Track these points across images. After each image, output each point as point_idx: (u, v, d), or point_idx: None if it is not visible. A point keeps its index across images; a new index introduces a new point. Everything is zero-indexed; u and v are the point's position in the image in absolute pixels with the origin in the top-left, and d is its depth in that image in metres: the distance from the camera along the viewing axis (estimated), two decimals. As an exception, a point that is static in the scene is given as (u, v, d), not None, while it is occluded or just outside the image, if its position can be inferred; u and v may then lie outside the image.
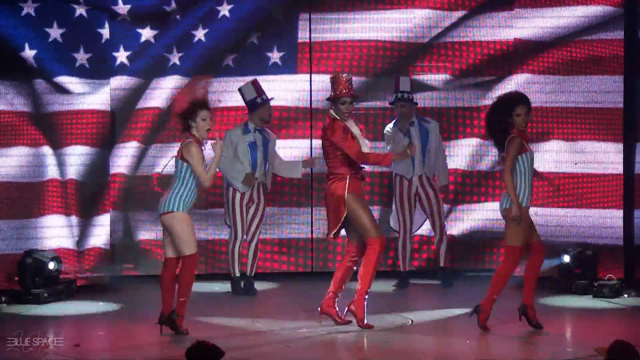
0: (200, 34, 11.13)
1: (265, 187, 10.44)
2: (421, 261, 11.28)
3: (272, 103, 10.48)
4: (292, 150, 11.19)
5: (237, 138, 10.31)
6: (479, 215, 11.21)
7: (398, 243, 10.71)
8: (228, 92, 11.20)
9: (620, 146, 10.85)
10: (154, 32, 11.10)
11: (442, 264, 10.71)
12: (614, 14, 10.97)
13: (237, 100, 11.09)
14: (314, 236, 11.29)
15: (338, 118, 8.52)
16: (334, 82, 8.61)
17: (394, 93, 10.65)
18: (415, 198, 10.66)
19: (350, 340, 8.29)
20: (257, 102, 10.32)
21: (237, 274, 10.32)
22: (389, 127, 10.65)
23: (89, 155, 10.75)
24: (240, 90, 10.43)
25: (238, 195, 10.33)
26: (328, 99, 8.64)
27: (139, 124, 11.11)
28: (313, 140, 11.26)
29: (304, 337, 8.43)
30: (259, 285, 10.50)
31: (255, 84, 10.39)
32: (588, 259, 10.34)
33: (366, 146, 8.57)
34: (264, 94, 10.36)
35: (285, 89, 11.23)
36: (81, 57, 10.77)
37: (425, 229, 11.06)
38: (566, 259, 10.34)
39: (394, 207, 10.77)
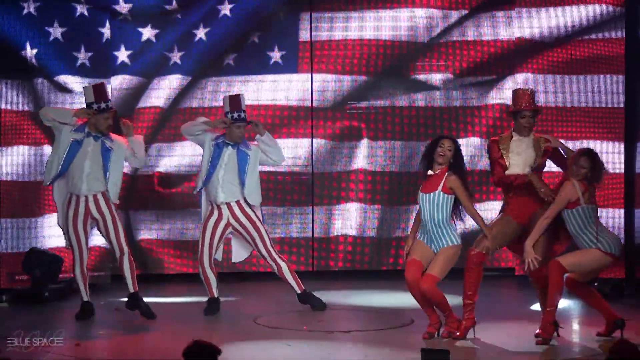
0: (201, 33, 11.13)
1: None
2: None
3: (273, 102, 10.47)
4: (293, 149, 11.19)
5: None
6: (481, 214, 11.18)
7: None
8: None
9: (622, 146, 10.85)
10: (155, 31, 11.10)
11: None
12: (615, 13, 10.97)
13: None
14: (315, 235, 11.29)
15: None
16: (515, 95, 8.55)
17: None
18: None
19: (349, 340, 8.28)
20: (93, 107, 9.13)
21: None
22: None
23: (90, 154, 10.74)
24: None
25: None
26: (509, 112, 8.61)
27: (140, 123, 11.11)
28: (314, 140, 11.26)
29: (305, 336, 8.42)
30: (260, 285, 10.48)
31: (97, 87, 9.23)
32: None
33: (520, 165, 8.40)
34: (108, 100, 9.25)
35: (286, 88, 11.23)
36: (82, 56, 10.78)
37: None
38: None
39: None
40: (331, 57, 11.29)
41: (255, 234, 9.35)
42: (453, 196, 8.17)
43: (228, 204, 9.30)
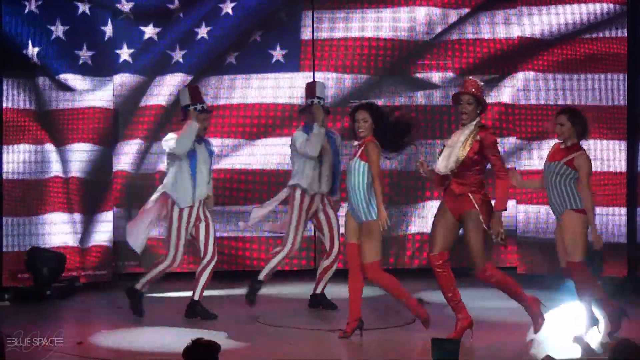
0: (203, 31, 11.13)
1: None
2: (422, 260, 11.27)
3: (275, 101, 10.47)
4: (295, 148, 11.19)
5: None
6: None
7: None
8: (231, 90, 11.21)
9: (624, 144, 10.84)
10: (157, 30, 11.10)
11: None
12: (617, 11, 10.96)
13: (240, 97, 11.12)
14: (316, 234, 11.28)
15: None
16: None
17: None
18: None
19: (351, 339, 8.28)
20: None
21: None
22: None
23: (92, 152, 10.75)
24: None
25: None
26: None
27: (142, 122, 11.12)
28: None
29: (306, 335, 8.42)
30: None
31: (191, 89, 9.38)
32: (592, 257, 10.33)
33: None
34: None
35: (288, 87, 11.23)
36: (84, 54, 10.77)
37: (429, 227, 11.03)
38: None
39: None
40: (333, 55, 11.30)
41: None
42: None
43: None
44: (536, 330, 8.12)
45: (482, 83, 8.22)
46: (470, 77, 8.27)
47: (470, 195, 7.92)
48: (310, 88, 9.58)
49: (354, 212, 8.17)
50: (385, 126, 8.22)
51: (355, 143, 8.28)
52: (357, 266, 8.14)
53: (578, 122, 8.11)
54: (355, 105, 8.40)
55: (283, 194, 9.61)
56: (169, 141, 8.96)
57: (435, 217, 8.17)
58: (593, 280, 8.17)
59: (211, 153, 9.21)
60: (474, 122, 8.03)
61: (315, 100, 9.46)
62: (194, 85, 9.37)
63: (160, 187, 9.14)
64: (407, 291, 8.26)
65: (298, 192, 9.44)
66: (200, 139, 9.07)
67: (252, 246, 11.33)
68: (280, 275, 10.74)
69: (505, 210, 8.02)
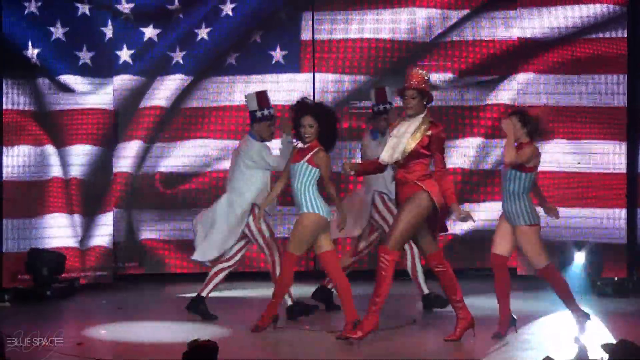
0: (203, 32, 11.13)
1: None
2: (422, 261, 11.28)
3: (275, 102, 10.41)
4: (295, 149, 11.19)
5: None
6: (482, 215, 11.19)
7: None
8: (231, 92, 11.21)
9: (624, 145, 10.84)
10: (157, 31, 11.10)
11: None
12: (617, 12, 10.96)
13: (240, 98, 11.09)
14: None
15: None
16: None
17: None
18: None
19: (352, 340, 8.27)
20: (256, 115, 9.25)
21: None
22: None
23: (92, 154, 10.76)
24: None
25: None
26: None
27: (142, 123, 11.12)
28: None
29: (306, 336, 8.42)
30: (261, 284, 10.47)
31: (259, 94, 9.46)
32: (593, 258, 10.36)
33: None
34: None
35: (288, 88, 11.22)
36: (84, 55, 10.78)
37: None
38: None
39: None
40: (333, 56, 11.30)
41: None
42: (317, 170, 8.24)
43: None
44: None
45: (425, 73, 8.10)
46: (415, 69, 8.13)
47: (417, 181, 7.85)
48: (382, 93, 9.46)
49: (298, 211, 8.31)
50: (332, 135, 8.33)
51: (300, 146, 8.35)
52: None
53: (529, 123, 8.15)
54: (303, 109, 8.37)
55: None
56: (269, 157, 8.96)
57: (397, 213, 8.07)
58: (564, 281, 8.30)
59: None
60: (422, 115, 8.00)
61: (389, 106, 9.38)
62: (262, 91, 9.31)
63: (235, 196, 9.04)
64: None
65: (378, 196, 9.42)
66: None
67: (253, 247, 11.31)
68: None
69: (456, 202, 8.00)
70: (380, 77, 11.30)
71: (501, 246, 8.22)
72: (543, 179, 10.79)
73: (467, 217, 8.03)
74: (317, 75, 11.25)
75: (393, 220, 8.10)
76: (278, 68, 11.22)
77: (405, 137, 7.92)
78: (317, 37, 11.27)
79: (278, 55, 11.24)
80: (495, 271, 8.23)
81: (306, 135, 8.25)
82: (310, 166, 8.22)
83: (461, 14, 11.26)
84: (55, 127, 10.66)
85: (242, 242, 9.07)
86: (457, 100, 11.28)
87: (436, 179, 7.91)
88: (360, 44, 11.30)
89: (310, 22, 11.27)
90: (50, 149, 10.63)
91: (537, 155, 8.12)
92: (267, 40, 11.23)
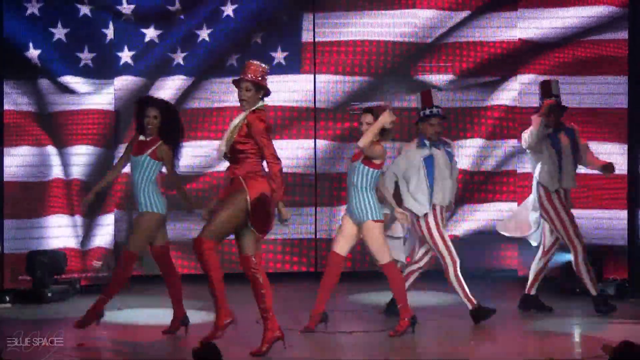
0: (204, 33, 11.13)
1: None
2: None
3: (276, 103, 10.42)
4: (296, 150, 11.19)
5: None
6: (483, 215, 11.21)
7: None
8: (232, 92, 11.19)
9: (625, 147, 10.83)
10: (158, 32, 11.10)
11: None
12: (618, 14, 10.97)
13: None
14: (317, 236, 11.30)
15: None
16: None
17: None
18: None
19: (352, 340, 8.28)
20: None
21: None
22: None
23: (93, 155, 10.76)
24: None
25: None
26: None
27: (143, 124, 11.11)
28: (317, 141, 11.27)
29: (306, 337, 8.42)
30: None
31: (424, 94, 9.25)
32: (593, 260, 10.34)
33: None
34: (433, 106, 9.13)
35: (289, 89, 11.23)
36: (85, 56, 10.78)
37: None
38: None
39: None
40: (334, 57, 11.30)
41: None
42: (160, 163, 8.32)
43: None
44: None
45: (264, 67, 7.92)
46: (253, 61, 7.93)
47: (242, 178, 7.65)
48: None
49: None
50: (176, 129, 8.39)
51: (142, 138, 8.40)
52: None
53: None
54: (146, 101, 8.50)
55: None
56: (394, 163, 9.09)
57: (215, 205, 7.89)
58: (401, 281, 8.52)
59: (451, 156, 9.09)
60: (254, 108, 7.79)
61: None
62: (427, 90, 9.31)
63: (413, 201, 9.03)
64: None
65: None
66: (437, 143, 9.00)
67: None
68: (282, 276, 10.77)
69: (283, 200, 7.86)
70: (381, 78, 11.31)
71: (341, 246, 8.50)
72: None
73: (285, 221, 7.91)
74: (318, 76, 11.26)
75: (214, 211, 7.79)
76: (279, 69, 11.22)
77: (230, 129, 7.76)
78: (318, 38, 11.27)
79: (279, 56, 11.25)
80: (328, 267, 8.52)
81: (149, 126, 8.32)
82: (153, 160, 8.33)
83: (462, 15, 11.27)
84: (56, 128, 10.67)
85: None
86: (458, 101, 11.28)
87: (269, 172, 7.67)
88: (361, 45, 11.30)
89: (311, 24, 11.27)
90: (51, 149, 10.64)
91: (385, 153, 8.38)
92: (268, 41, 11.24)
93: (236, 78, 7.85)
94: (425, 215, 8.94)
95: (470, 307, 8.82)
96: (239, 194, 7.63)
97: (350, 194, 8.38)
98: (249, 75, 7.76)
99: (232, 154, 7.71)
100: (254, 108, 7.74)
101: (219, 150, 7.85)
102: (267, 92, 7.83)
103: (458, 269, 8.94)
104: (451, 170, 9.08)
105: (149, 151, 8.35)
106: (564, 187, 9.45)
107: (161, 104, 8.59)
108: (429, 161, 8.96)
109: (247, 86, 7.75)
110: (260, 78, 7.79)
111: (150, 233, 8.39)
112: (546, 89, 9.54)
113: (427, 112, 9.07)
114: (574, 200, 9.83)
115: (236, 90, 10.71)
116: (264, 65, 7.89)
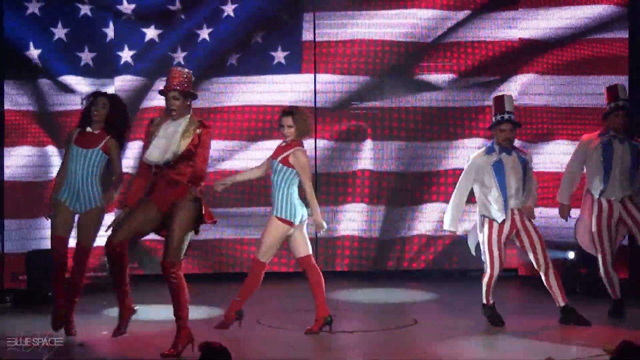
0: (204, 33, 11.14)
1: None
2: (420, 263, 11.27)
3: (276, 103, 10.43)
4: (297, 150, 11.18)
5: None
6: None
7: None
8: (232, 92, 11.21)
9: (625, 147, 10.83)
10: (159, 32, 11.11)
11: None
12: (618, 13, 10.98)
13: (241, 99, 11.11)
14: (318, 236, 11.29)
15: None
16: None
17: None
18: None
19: (352, 341, 8.29)
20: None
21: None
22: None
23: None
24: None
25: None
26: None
27: (143, 124, 11.10)
28: (317, 140, 11.26)
29: (307, 337, 8.42)
30: (262, 285, 10.47)
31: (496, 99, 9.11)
32: (593, 259, 10.34)
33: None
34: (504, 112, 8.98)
35: (290, 89, 11.23)
36: (86, 56, 10.79)
37: (430, 229, 11.13)
38: (570, 255, 10.36)
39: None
40: (334, 57, 11.30)
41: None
42: (107, 157, 8.31)
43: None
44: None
45: (188, 72, 7.94)
46: (177, 68, 7.99)
47: (190, 187, 7.72)
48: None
49: (76, 201, 8.40)
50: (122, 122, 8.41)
51: (89, 129, 8.39)
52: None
53: (297, 122, 8.45)
54: (97, 93, 8.49)
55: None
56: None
57: (135, 208, 7.91)
58: (255, 285, 8.58)
59: (523, 161, 8.96)
60: (189, 115, 7.86)
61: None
62: (499, 95, 9.17)
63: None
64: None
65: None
66: (508, 149, 8.91)
67: (251, 248, 11.33)
68: (282, 276, 10.77)
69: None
70: (381, 78, 11.31)
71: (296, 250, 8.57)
72: (544, 179, 10.81)
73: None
74: (318, 76, 11.26)
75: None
76: (279, 69, 11.23)
77: (175, 137, 7.77)
78: (318, 38, 11.27)
79: (279, 56, 11.25)
80: (252, 268, 8.55)
81: (95, 114, 8.27)
82: (102, 153, 8.29)
83: (462, 14, 11.27)
84: (56, 128, 10.67)
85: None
86: (458, 101, 11.28)
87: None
88: (361, 44, 11.31)
89: (312, 23, 11.27)
90: (51, 149, 10.64)
91: (308, 158, 8.54)
92: (268, 41, 11.24)
93: (161, 89, 7.91)
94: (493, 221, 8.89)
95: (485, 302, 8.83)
96: (186, 203, 7.71)
97: (272, 190, 8.50)
98: (175, 84, 7.81)
99: (176, 161, 7.79)
100: (200, 121, 7.89)
101: (157, 158, 7.79)
102: (193, 98, 7.93)
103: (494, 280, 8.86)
104: (523, 176, 8.91)
105: (101, 144, 8.29)
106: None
107: (111, 96, 8.55)
108: (498, 167, 8.89)
109: (175, 95, 7.82)
110: (186, 85, 7.85)
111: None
112: (613, 94, 9.25)
113: (499, 117, 8.96)
114: (575, 200, 9.82)
115: (236, 90, 10.76)
116: (186, 70, 7.96)
